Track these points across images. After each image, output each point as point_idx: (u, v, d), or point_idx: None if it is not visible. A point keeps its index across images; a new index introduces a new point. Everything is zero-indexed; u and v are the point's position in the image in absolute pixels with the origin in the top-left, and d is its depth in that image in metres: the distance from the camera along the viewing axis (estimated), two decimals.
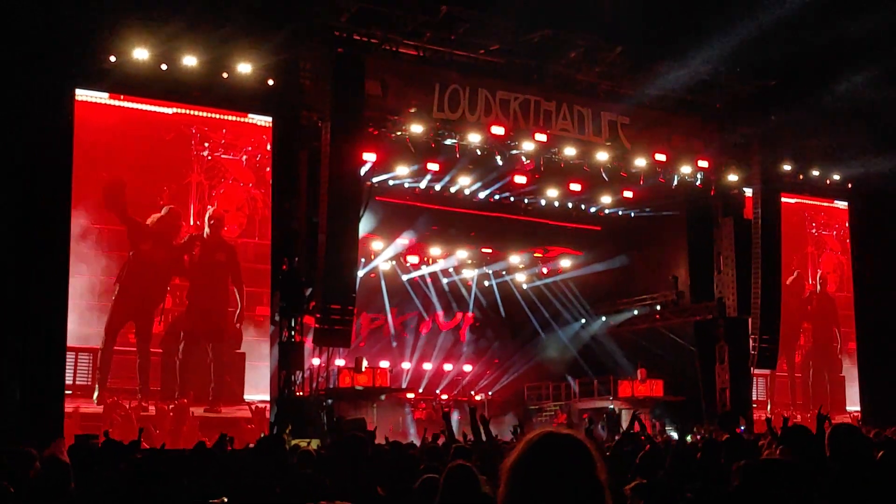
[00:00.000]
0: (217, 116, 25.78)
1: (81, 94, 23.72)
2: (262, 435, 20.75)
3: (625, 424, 28.65)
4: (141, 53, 23.52)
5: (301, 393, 26.22)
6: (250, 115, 26.00)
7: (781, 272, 31.62)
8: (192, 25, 23.66)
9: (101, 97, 24.09)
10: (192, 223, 25.45)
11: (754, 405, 32.22)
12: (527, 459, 3.22)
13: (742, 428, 28.08)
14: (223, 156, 26.03)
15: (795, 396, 34.47)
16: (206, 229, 25.49)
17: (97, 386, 23.40)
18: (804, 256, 35.94)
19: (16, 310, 21.83)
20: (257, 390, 25.30)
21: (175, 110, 25.22)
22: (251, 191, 26.21)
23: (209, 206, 25.67)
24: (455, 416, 31.26)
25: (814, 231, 36.26)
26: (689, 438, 26.93)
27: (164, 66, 23.92)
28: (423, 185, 31.31)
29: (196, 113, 25.56)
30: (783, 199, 32.42)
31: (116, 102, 24.36)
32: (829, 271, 36.30)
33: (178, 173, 25.47)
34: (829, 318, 35.86)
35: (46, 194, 22.80)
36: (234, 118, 25.94)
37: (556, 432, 3.28)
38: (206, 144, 25.73)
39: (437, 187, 31.71)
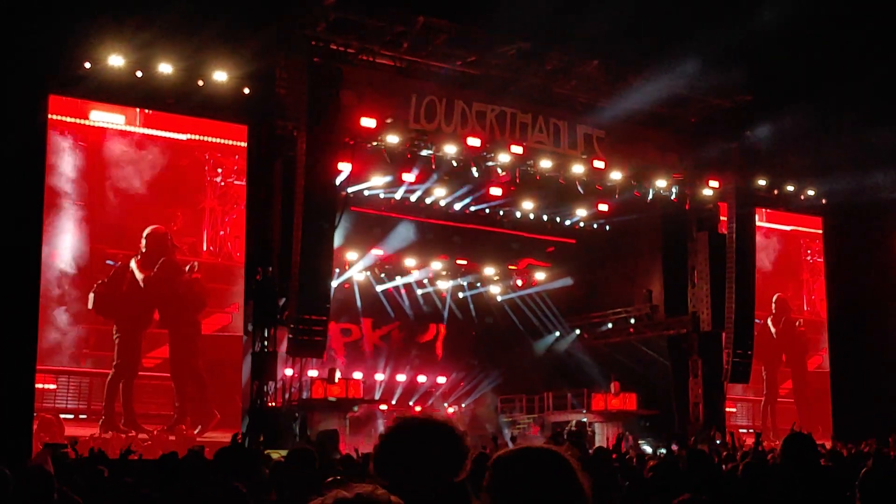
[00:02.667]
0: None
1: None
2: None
3: (598, 441, 28.68)
4: (116, 60, 23.39)
5: (274, 403, 26.06)
6: None
7: (755, 287, 31.67)
8: (168, 33, 23.55)
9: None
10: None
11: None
12: (506, 476, 3.19)
13: (718, 442, 28.17)
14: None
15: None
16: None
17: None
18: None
19: None
20: None
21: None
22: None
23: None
24: None
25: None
26: (661, 452, 26.96)
27: (139, 73, 23.77)
28: (398, 195, 31.25)
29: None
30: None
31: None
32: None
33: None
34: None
35: (19, 198, 22.56)
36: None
37: (533, 447, 3.25)
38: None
39: (413, 198, 31.66)
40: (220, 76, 24.63)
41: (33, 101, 22.74)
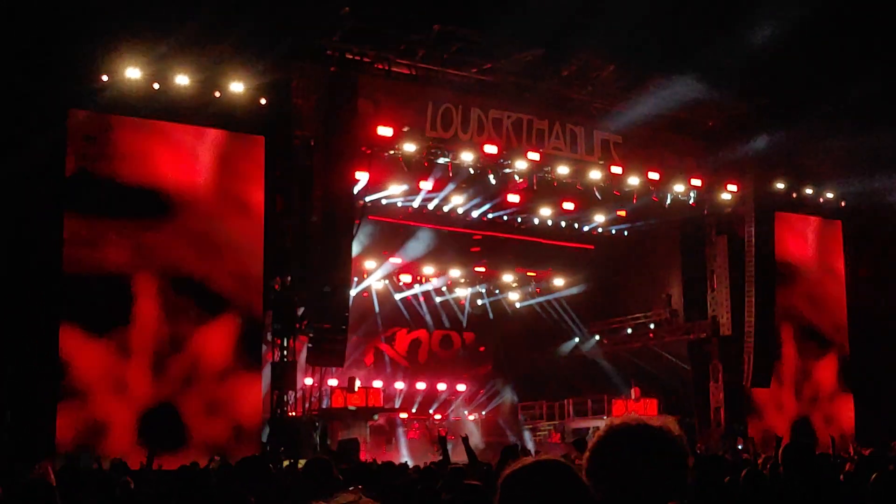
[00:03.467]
0: None
1: None
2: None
3: None
4: (133, 73, 23.44)
5: (294, 413, 26.10)
6: None
7: (776, 290, 31.52)
8: (185, 45, 23.59)
9: None
10: None
11: None
12: (514, 493, 3.15)
13: (740, 447, 28.01)
14: None
15: None
16: None
17: None
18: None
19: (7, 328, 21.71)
20: None
21: None
22: None
23: None
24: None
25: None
26: None
27: (156, 86, 23.82)
28: (416, 203, 31.27)
29: None
30: None
31: None
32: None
33: None
34: None
35: (40, 208, 22.69)
36: None
37: (539, 460, 3.20)
38: None
39: (431, 206, 31.67)
40: (237, 87, 24.67)
41: (53, 114, 22.82)
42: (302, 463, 20.83)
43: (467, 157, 27.32)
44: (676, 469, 3.14)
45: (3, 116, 21.80)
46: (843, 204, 35.07)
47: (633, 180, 29.77)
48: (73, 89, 23.03)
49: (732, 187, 31.45)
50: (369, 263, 34.10)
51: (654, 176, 29.97)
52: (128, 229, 23.44)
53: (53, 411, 22.05)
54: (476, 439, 34.52)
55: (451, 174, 28.38)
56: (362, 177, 26.42)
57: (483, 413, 36.98)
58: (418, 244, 33.90)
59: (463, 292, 38.36)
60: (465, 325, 38.57)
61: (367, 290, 35.18)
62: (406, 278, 36.58)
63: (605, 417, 32.88)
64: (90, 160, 23.30)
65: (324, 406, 28.41)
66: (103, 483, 9.83)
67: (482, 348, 38.67)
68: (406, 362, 36.88)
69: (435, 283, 37.20)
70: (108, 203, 23.27)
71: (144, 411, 22.85)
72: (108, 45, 23.15)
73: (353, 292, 27.95)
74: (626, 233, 35.33)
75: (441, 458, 10.62)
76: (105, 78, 23.39)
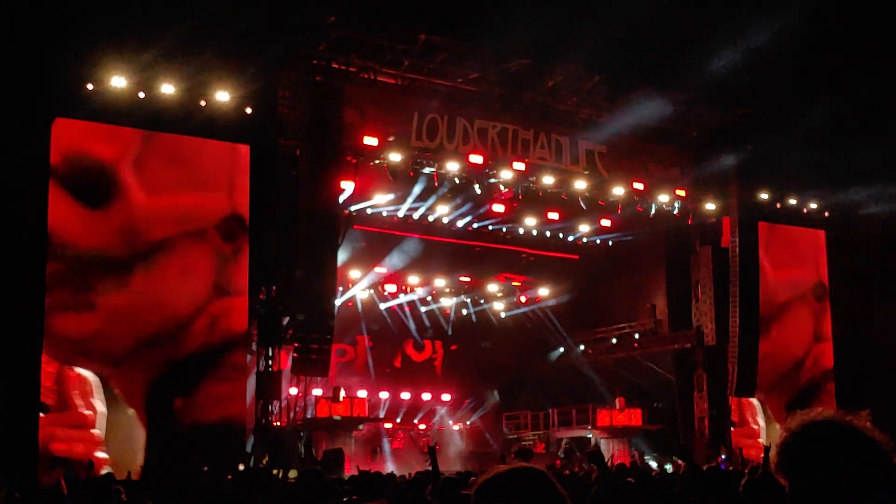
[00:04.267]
0: None
1: None
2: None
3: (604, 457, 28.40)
4: (118, 81, 23.39)
5: (278, 423, 26.03)
6: None
7: (759, 300, 31.62)
8: (170, 53, 23.57)
9: None
10: None
11: None
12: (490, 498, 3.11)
13: (722, 457, 28.09)
14: None
15: None
16: None
17: None
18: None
19: None
20: None
21: None
22: None
23: None
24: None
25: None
26: (668, 467, 26.88)
27: (141, 94, 23.78)
28: (401, 213, 31.26)
29: None
30: None
31: None
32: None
33: None
34: None
35: (23, 215, 22.61)
36: None
37: (514, 468, 3.17)
38: None
39: (416, 216, 31.68)
40: (223, 96, 24.66)
41: (37, 123, 22.73)
42: (293, 473, 20.84)
43: (453, 166, 27.36)
44: (882, 468, 2.93)
45: None
46: (826, 214, 35.22)
47: (618, 190, 29.84)
48: (58, 98, 22.98)
49: (716, 198, 31.56)
50: (354, 273, 34.06)
51: (638, 186, 30.06)
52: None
53: (35, 421, 21.96)
54: (460, 448, 34.52)
55: (436, 184, 28.40)
56: (348, 186, 26.41)
57: (468, 423, 36.93)
58: (403, 254, 33.88)
59: (448, 302, 38.35)
60: (449, 334, 38.53)
61: (352, 299, 35.13)
62: (391, 288, 36.55)
63: (589, 427, 32.93)
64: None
65: (308, 416, 28.33)
66: (101, 492, 9.83)
67: (467, 358, 38.62)
68: (390, 372, 36.80)
69: (420, 292, 37.17)
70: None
71: None
72: (94, 54, 23.10)
73: (337, 302, 27.88)
74: (610, 243, 35.40)
75: (431, 468, 10.62)
76: (90, 86, 23.34)
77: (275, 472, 18.69)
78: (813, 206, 34.82)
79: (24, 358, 22.12)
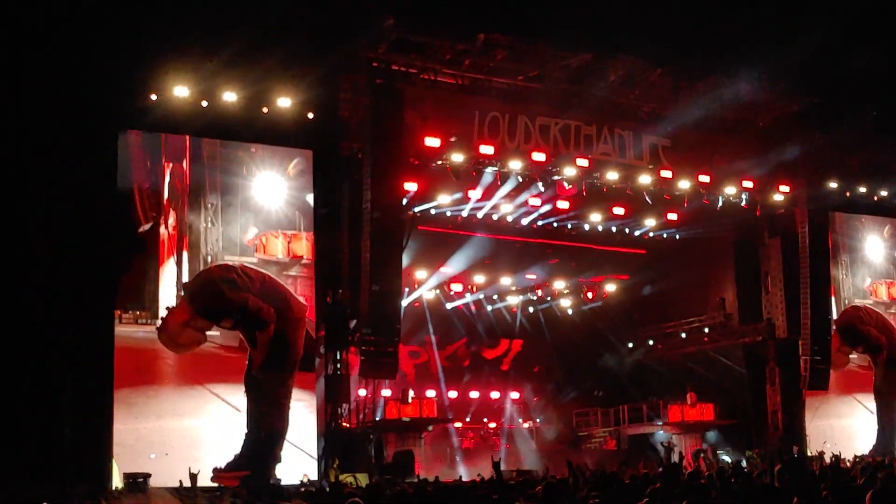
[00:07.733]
0: None
1: None
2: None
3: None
4: (181, 91, 23.66)
5: (348, 425, 26.11)
6: None
7: (831, 291, 31.08)
8: (232, 62, 23.76)
9: None
10: None
11: None
12: None
13: (796, 454, 27.66)
14: None
15: None
16: None
17: None
18: None
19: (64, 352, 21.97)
20: None
21: None
22: None
23: None
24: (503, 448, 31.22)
25: None
26: (744, 463, 26.57)
27: (204, 103, 24.02)
28: (465, 213, 31.18)
29: None
30: None
31: None
32: None
33: None
34: None
35: (101, 226, 23.01)
36: None
37: None
38: None
39: (480, 215, 31.54)
40: (284, 102, 24.83)
41: (106, 136, 23.09)
42: (362, 478, 20.91)
43: (515, 164, 27.21)
44: None
45: (56, 136, 22.09)
46: None
47: (684, 184, 29.46)
48: (123, 109, 23.28)
49: (785, 188, 31.00)
50: (420, 274, 34.08)
51: (704, 179, 29.63)
52: None
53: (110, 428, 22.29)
54: (531, 446, 34.35)
55: (499, 182, 28.25)
56: (411, 187, 26.38)
57: (538, 421, 36.79)
58: (468, 253, 33.77)
59: (514, 300, 38.23)
60: (517, 332, 38.42)
61: (419, 300, 35.16)
62: (457, 287, 36.51)
63: (660, 423, 32.63)
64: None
65: (377, 418, 28.37)
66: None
67: (535, 356, 38.48)
68: (458, 372, 36.77)
69: (486, 291, 37.09)
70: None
71: None
72: (157, 65, 23.37)
73: (404, 303, 27.89)
74: (677, 236, 34.93)
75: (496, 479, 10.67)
76: (154, 97, 23.61)
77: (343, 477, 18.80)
78: (883, 193, 34.11)
79: None
